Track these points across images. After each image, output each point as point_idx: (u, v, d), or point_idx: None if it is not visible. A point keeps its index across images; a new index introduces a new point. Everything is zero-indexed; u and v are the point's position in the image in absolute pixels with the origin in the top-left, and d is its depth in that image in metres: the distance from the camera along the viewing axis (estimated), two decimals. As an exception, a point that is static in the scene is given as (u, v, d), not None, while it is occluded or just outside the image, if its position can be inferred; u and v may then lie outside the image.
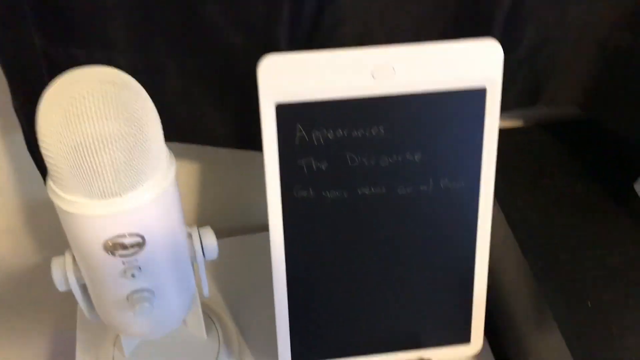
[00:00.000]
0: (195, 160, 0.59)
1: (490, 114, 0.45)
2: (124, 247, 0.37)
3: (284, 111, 0.43)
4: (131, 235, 0.37)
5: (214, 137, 0.49)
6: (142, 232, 0.37)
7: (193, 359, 0.53)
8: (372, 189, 0.46)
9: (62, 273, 0.41)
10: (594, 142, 0.61)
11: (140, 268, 0.39)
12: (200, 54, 0.45)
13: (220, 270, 0.62)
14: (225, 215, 0.65)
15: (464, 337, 0.52)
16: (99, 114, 0.33)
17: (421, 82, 0.43)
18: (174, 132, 0.49)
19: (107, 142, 0.33)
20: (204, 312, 0.56)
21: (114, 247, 0.37)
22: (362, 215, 0.47)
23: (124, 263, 0.38)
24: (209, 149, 0.55)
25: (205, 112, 0.48)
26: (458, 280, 0.50)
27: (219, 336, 0.55)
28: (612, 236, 0.52)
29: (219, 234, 0.61)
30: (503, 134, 0.60)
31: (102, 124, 0.33)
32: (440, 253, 0.49)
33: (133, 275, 0.39)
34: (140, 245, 0.38)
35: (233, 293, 0.61)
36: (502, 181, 0.56)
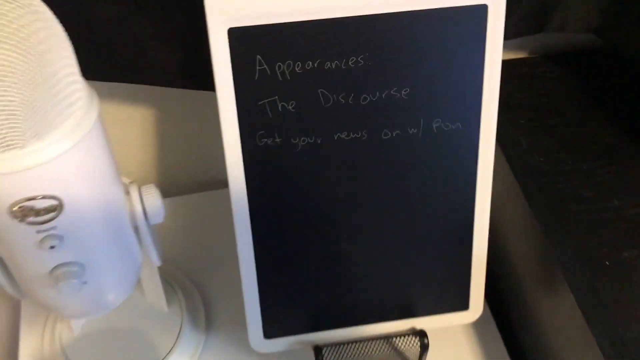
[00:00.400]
0: (142, 103, 0.51)
1: (493, 38, 0.37)
2: (35, 212, 0.29)
3: (239, 38, 0.35)
4: (43, 197, 0.29)
5: (158, 74, 0.41)
6: (57, 194, 0.30)
7: (153, 333, 0.46)
8: (351, 134, 0.39)
9: (-31, 244, 0.34)
10: (611, 74, 0.53)
11: (62, 237, 0.31)
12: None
13: (183, 231, 0.54)
14: (184, 169, 0.57)
15: (461, 302, 0.45)
16: (-22, 38, 0.24)
17: (408, -1, 0.35)
18: (110, 70, 0.40)
19: (-7, 77, 0.25)
20: (164, 279, 0.49)
21: (22, 213, 0.29)
22: (339, 164, 0.39)
23: (38, 232, 0.31)
24: (156, 90, 0.47)
25: (147, 43, 0.39)
26: (454, 237, 0.43)
27: (181, 306, 0.48)
28: (632, 184, 0.44)
29: (177, 191, 0.53)
30: (505, 65, 0.52)
31: (-17, 53, 0.25)
32: (433, 208, 0.42)
33: (52, 247, 0.31)
34: (57, 209, 0.30)
35: (197, 257, 0.53)
36: (504, 121, 0.48)
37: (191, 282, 0.51)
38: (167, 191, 0.58)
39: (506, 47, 0.53)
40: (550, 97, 0.50)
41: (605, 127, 0.48)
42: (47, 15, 0.27)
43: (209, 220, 0.55)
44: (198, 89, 0.42)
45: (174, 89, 0.48)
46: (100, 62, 0.40)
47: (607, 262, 0.40)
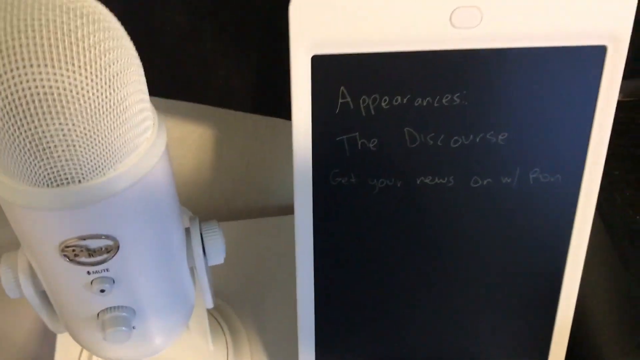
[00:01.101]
0: (200, 123, 0.47)
1: (608, 83, 0.33)
2: (88, 252, 0.26)
3: (322, 66, 0.31)
4: (98, 237, 0.26)
5: (227, 96, 0.37)
6: (113, 234, 0.26)
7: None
8: (437, 179, 0.34)
9: (12, 275, 0.30)
10: None
11: (113, 280, 0.28)
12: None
13: (233, 260, 0.51)
14: (238, 193, 0.53)
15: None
16: (43, 55, 0.21)
17: (518, 33, 0.31)
18: (176, 86, 0.37)
19: (55, 101, 0.22)
20: (210, 313, 0.46)
21: (74, 253, 0.26)
22: (419, 211, 0.35)
23: (89, 273, 0.27)
24: (221, 112, 0.44)
25: (219, 62, 0.36)
26: (537, 301, 0.38)
27: (227, 344, 0.44)
28: None
29: (231, 216, 0.49)
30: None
31: (47, 72, 0.21)
32: (518, 266, 0.37)
33: (102, 291, 0.27)
34: (112, 250, 0.26)
35: (246, 288, 0.50)
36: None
37: (238, 318, 0.47)
38: (218, 216, 0.55)
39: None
40: (649, 147, 0.45)
41: None
42: (120, 33, 0.24)
43: (262, 249, 0.52)
44: (267, 115, 0.38)
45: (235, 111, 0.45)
46: (165, 79, 0.36)
47: None
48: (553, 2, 0.30)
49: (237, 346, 0.45)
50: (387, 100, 0.32)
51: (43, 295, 0.31)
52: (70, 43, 0.22)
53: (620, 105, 0.49)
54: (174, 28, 0.34)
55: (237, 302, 0.48)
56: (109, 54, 0.23)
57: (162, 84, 0.37)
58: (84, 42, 0.22)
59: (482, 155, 0.34)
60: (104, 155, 0.24)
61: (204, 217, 0.33)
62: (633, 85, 0.48)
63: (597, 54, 0.32)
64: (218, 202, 0.53)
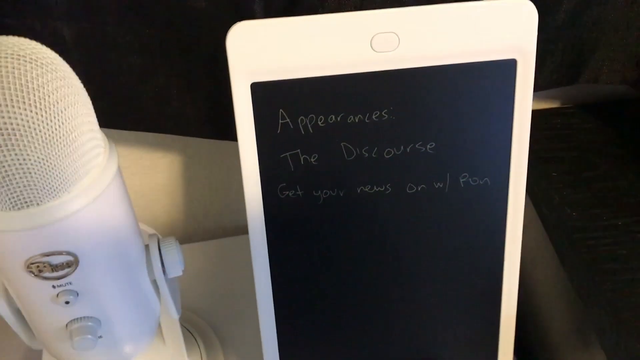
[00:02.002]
0: (168, 150, 0.51)
1: (522, 93, 0.36)
2: (51, 267, 0.29)
3: (262, 92, 0.35)
4: (59, 253, 0.29)
5: (181, 124, 0.41)
6: (73, 250, 0.29)
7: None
8: (375, 187, 0.38)
9: (-12, 294, 0.33)
10: (647, 126, 0.51)
11: (77, 293, 0.31)
12: (159, 22, 0.37)
13: (206, 277, 0.54)
14: (210, 215, 0.57)
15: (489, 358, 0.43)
16: (-2, 98, 0.25)
17: (433, 53, 0.34)
18: (133, 119, 0.40)
19: (10, 135, 0.25)
20: (185, 327, 0.48)
21: (38, 269, 0.29)
22: (361, 218, 0.38)
23: (54, 287, 0.30)
24: (187, 138, 0.47)
25: (170, 93, 0.39)
26: (481, 295, 0.41)
27: (202, 356, 0.47)
28: (672, 242, 0.42)
29: (203, 236, 0.53)
30: (537, 116, 0.51)
31: (1, 111, 0.25)
32: (459, 264, 0.40)
33: (67, 302, 0.31)
34: (73, 265, 0.30)
35: (220, 303, 0.53)
36: (535, 174, 0.47)
37: (212, 330, 0.50)
38: (192, 236, 0.58)
39: (538, 97, 0.52)
40: (585, 149, 0.49)
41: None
42: (66, 74, 0.27)
43: (234, 266, 0.55)
44: (220, 138, 0.42)
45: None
46: (123, 112, 0.40)
47: (645, 327, 0.38)
48: (462, 23, 0.34)
49: (211, 355, 0.48)
50: (322, 119, 0.36)
51: (17, 313, 0.35)
52: (21, 84, 0.25)
53: (557, 112, 0.52)
54: (129, 68, 0.38)
55: (211, 316, 0.51)
56: (57, 92, 0.26)
57: (124, 118, 0.40)
58: (33, 83, 0.25)
59: (414, 164, 0.37)
60: (57, 180, 0.27)
61: (180, 239, 0.36)
62: (570, 93, 0.52)
63: (508, 66, 0.35)
64: (192, 224, 0.57)
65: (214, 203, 0.56)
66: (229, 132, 0.40)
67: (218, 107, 0.40)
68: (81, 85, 0.28)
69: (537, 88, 0.45)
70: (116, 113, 0.39)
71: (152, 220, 0.55)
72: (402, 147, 0.37)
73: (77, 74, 0.28)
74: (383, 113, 0.36)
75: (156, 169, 0.51)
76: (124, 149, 0.50)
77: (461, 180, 0.38)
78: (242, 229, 0.57)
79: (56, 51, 0.28)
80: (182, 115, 0.40)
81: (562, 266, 0.42)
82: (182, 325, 0.45)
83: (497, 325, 0.42)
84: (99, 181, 0.29)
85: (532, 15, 0.34)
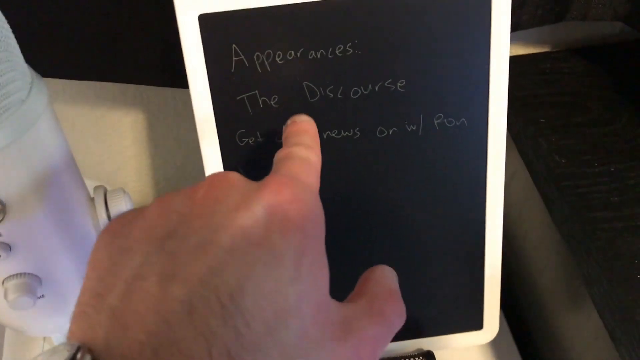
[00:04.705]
0: (131, 107, 0.48)
1: (499, 23, 0.33)
2: (-25, 216, 0.26)
3: (211, 25, 0.32)
4: (-19, 200, 0.26)
5: (134, 71, 0.38)
6: (-3, 195, 0.26)
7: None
8: (342, 132, 0.35)
9: None
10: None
11: (9, 247, 0.28)
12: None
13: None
14: (181, 174, 0.54)
15: (474, 322, 0.40)
16: None
17: (400, -22, 0.31)
18: (83, 67, 0.37)
19: None
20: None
21: (-40, 218, 0.26)
22: (329, 166, 0.35)
23: (-18, 239, 0.28)
24: (146, 92, 0.44)
25: (122, 35, 0.36)
26: (463, 249, 0.38)
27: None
28: (668, 187, 0.39)
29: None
30: (525, 60, 0.48)
31: None
32: (437, 216, 0.37)
33: (-2, 256, 0.28)
34: (-1, 213, 0.27)
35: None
36: (523, 120, 0.43)
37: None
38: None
39: (527, 40, 0.49)
40: (575, 94, 0.46)
41: (634, 125, 0.43)
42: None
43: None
44: (176, 86, 0.39)
45: (164, 90, 0.45)
46: (71, 58, 0.37)
47: (638, 276, 0.35)
48: (431, -57, 0.31)
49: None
50: (281, 56, 0.33)
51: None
52: None
53: (547, 56, 0.49)
54: (77, 8, 0.35)
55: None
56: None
57: (73, 66, 0.37)
58: None
59: (384, 105, 0.34)
60: (-30, 115, 0.24)
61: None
62: (560, 36, 0.49)
63: (483, -7, 0.32)
64: (165, 187, 0.54)
65: (187, 163, 0.52)
66: (185, 79, 0.37)
67: (170, 49, 0.37)
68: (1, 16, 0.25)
69: (521, 26, 0.42)
70: (66, 61, 0.36)
71: (122, 185, 0.52)
72: (369, 86, 0.34)
73: (18, 18, 0.26)
74: (347, 47, 0.33)
75: (119, 129, 0.48)
76: (84, 108, 0.47)
77: (436, 121, 0.35)
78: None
79: None
80: (132, 60, 0.37)
81: (550, 216, 0.39)
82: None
83: (481, 280, 0.39)
84: (22, 118, 0.26)
85: None
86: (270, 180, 0.20)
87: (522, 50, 0.49)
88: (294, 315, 0.17)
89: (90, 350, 0.16)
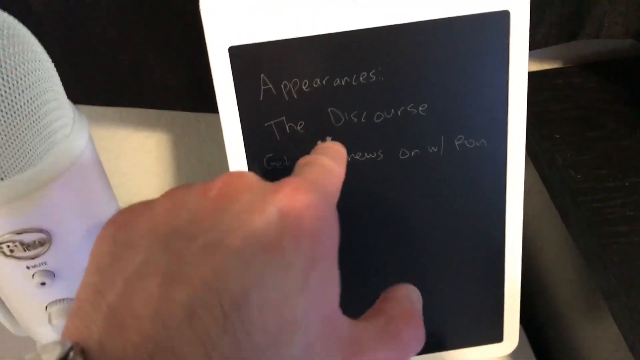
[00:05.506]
0: (155, 129, 0.49)
1: (517, 47, 0.34)
2: (23, 247, 0.28)
3: (240, 56, 0.33)
4: (30, 231, 0.27)
5: (162, 96, 0.39)
6: (45, 227, 0.28)
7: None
8: (366, 155, 0.36)
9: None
10: (653, 82, 0.48)
11: (53, 274, 0.29)
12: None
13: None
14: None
15: (495, 334, 0.42)
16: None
17: (421, 6, 0.32)
18: (112, 93, 0.39)
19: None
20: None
21: (9, 248, 0.28)
22: (354, 187, 0.37)
23: (29, 267, 0.29)
24: (169, 114, 0.45)
25: (150, 65, 0.38)
26: (484, 263, 0.39)
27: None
28: (682, 201, 0.40)
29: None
30: (539, 76, 0.49)
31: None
32: (459, 232, 0.38)
33: (43, 284, 0.29)
34: (46, 243, 0.28)
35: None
36: (538, 136, 0.45)
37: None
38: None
39: (540, 56, 0.50)
40: (589, 109, 0.47)
41: (649, 139, 0.44)
42: (26, 39, 0.26)
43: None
44: (204, 111, 0.40)
45: (187, 113, 0.47)
46: (102, 85, 0.38)
47: (656, 290, 0.36)
48: (450, -27, 0.32)
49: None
50: (307, 84, 0.34)
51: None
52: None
53: (559, 72, 0.50)
54: (104, 38, 0.36)
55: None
56: (14, 59, 0.24)
57: (102, 92, 0.39)
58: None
59: (406, 128, 0.35)
60: (21, 153, 0.25)
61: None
62: (572, 52, 0.50)
63: (501, 18, 0.33)
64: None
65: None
66: (212, 103, 0.39)
67: (199, 76, 0.38)
68: (44, 53, 0.26)
69: (536, 45, 0.43)
70: (94, 87, 0.38)
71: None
72: (392, 110, 0.35)
73: (50, 48, 0.27)
74: (371, 74, 0.34)
75: (143, 150, 0.50)
76: (108, 130, 0.48)
77: (456, 143, 0.36)
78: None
79: (27, 23, 0.26)
80: (163, 86, 0.38)
81: (567, 230, 0.40)
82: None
83: (501, 294, 0.40)
84: (67, 154, 0.27)
85: (524, -38, 0.32)
86: (288, 182, 0.18)
87: (536, 67, 0.50)
88: (299, 328, 0.16)
89: (83, 351, 0.15)
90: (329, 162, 0.23)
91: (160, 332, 0.15)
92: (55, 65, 0.28)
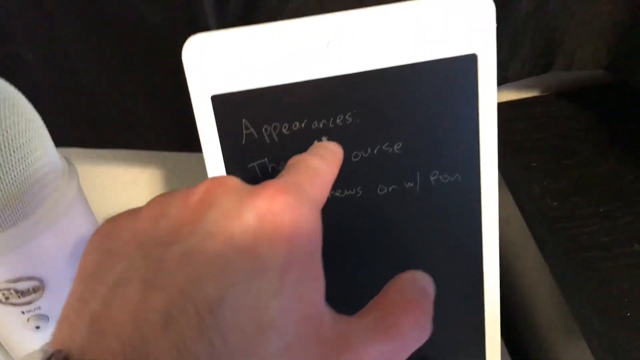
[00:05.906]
0: (147, 165, 0.51)
1: (486, 86, 0.36)
2: (17, 294, 0.29)
3: (223, 104, 0.35)
4: (23, 279, 0.29)
5: (150, 139, 0.41)
6: (38, 275, 0.29)
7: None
8: (346, 191, 0.38)
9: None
10: (626, 111, 0.50)
11: (47, 317, 0.31)
12: (118, 40, 0.37)
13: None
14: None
15: (476, 354, 0.43)
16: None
17: (392, 53, 0.34)
18: (101, 135, 0.40)
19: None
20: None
21: (4, 296, 0.29)
22: (334, 223, 0.38)
23: (24, 313, 0.30)
24: (154, 152, 0.47)
25: (137, 110, 0.40)
26: (462, 295, 0.41)
27: None
28: (654, 226, 0.42)
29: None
30: (515, 106, 0.51)
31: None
32: (438, 263, 0.40)
33: (38, 327, 0.31)
34: (39, 290, 0.30)
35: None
36: (515, 165, 0.46)
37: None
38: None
39: (516, 86, 0.52)
40: (564, 137, 0.48)
41: (623, 165, 0.46)
42: (16, 98, 0.27)
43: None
44: (193, 151, 0.42)
45: (178, 149, 0.48)
46: (94, 130, 0.40)
47: (628, 314, 0.38)
48: (419, 21, 0.34)
49: None
50: (287, 127, 0.36)
51: (-3, 340, 0.35)
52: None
53: (536, 101, 0.52)
54: (93, 86, 0.38)
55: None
56: (8, 119, 0.26)
57: (92, 135, 0.40)
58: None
59: (383, 165, 0.37)
60: (14, 208, 0.27)
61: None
62: (548, 81, 0.52)
63: (469, 61, 0.35)
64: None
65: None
66: (198, 144, 0.41)
67: (185, 119, 0.40)
68: (33, 111, 0.28)
69: (509, 79, 0.45)
70: (83, 131, 0.40)
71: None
72: (369, 149, 0.37)
73: (42, 95, 0.29)
74: (347, 117, 0.36)
75: (137, 185, 0.51)
76: (102, 167, 0.50)
77: (432, 178, 0.38)
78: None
79: (19, 74, 0.28)
80: (149, 130, 0.40)
81: (542, 258, 0.41)
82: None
83: (482, 321, 0.42)
84: (57, 205, 0.29)
85: (488, 6, 0.34)
86: (268, 185, 0.19)
87: (513, 96, 0.52)
88: (275, 329, 0.16)
89: (65, 358, 0.15)
90: (317, 162, 0.23)
91: (136, 339, 0.15)
92: (48, 112, 0.30)
